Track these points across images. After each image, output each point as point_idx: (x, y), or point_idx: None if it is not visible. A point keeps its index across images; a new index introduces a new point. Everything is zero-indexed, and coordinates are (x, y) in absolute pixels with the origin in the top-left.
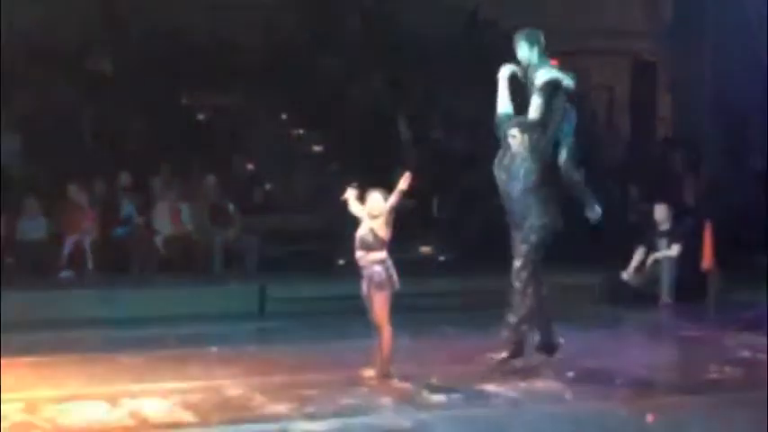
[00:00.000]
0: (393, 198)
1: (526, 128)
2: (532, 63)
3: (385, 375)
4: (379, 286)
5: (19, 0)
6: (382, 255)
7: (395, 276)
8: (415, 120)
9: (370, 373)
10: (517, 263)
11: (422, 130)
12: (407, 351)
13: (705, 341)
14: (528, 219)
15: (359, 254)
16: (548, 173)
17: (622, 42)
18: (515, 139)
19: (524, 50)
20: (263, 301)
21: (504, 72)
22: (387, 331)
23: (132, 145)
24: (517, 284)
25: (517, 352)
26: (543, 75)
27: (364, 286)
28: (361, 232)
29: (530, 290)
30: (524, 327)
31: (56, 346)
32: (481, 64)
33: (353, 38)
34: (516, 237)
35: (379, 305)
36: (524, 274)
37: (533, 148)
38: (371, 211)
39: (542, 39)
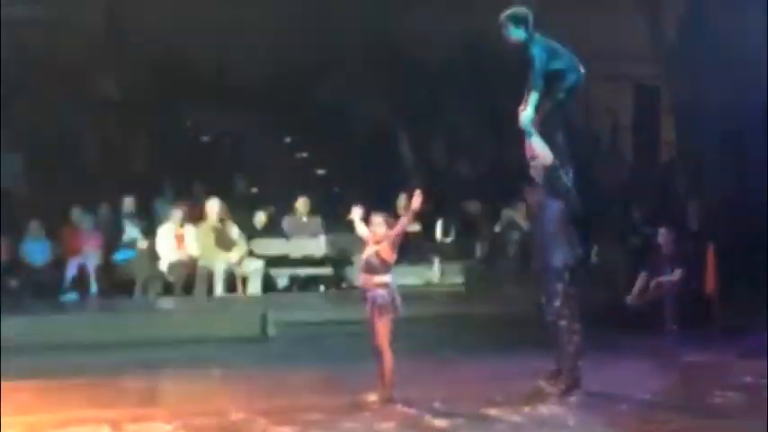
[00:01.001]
0: (404, 219)
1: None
2: (522, 42)
3: (388, 400)
4: (383, 310)
5: (25, 22)
6: (387, 278)
7: (398, 300)
8: (418, 142)
9: (373, 397)
10: (556, 302)
11: (424, 153)
12: (410, 375)
13: (708, 366)
14: (557, 256)
15: (363, 277)
16: (569, 208)
17: (625, 66)
18: (536, 170)
19: (512, 32)
20: (266, 325)
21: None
22: (388, 356)
23: (136, 168)
24: (563, 323)
25: (574, 385)
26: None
27: (368, 309)
28: (366, 255)
29: (576, 325)
30: (580, 361)
31: (59, 369)
32: (484, 87)
33: (356, 61)
34: (545, 276)
35: (382, 329)
36: (566, 312)
37: (553, 187)
38: (375, 235)
39: (529, 16)
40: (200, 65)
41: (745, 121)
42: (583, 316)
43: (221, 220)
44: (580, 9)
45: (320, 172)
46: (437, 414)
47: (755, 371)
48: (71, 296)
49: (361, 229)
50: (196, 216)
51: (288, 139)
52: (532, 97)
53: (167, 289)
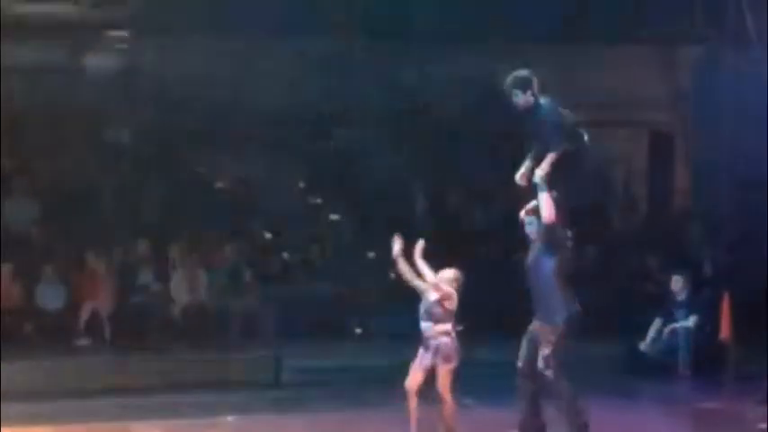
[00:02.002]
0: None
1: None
2: (530, 104)
3: None
4: (447, 358)
5: (39, 69)
6: (448, 327)
7: (459, 348)
8: (432, 190)
9: None
10: (546, 350)
11: (439, 201)
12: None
13: (723, 413)
14: (552, 312)
15: (425, 325)
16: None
17: (639, 114)
18: (532, 226)
19: (520, 98)
20: (280, 371)
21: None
22: (450, 403)
23: (150, 213)
24: (548, 373)
25: (585, 428)
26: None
27: (427, 358)
28: (428, 304)
29: (563, 383)
30: (578, 404)
31: (72, 414)
32: (500, 136)
33: (372, 109)
34: (541, 325)
35: (444, 377)
36: (554, 362)
37: (550, 245)
38: (439, 288)
39: (532, 78)
40: (214, 109)
41: (762, 169)
42: (597, 363)
43: (235, 265)
44: (596, 57)
45: (334, 218)
46: None
47: None
48: (84, 341)
49: (404, 267)
50: (210, 261)
51: (302, 185)
52: (550, 156)
53: (181, 334)
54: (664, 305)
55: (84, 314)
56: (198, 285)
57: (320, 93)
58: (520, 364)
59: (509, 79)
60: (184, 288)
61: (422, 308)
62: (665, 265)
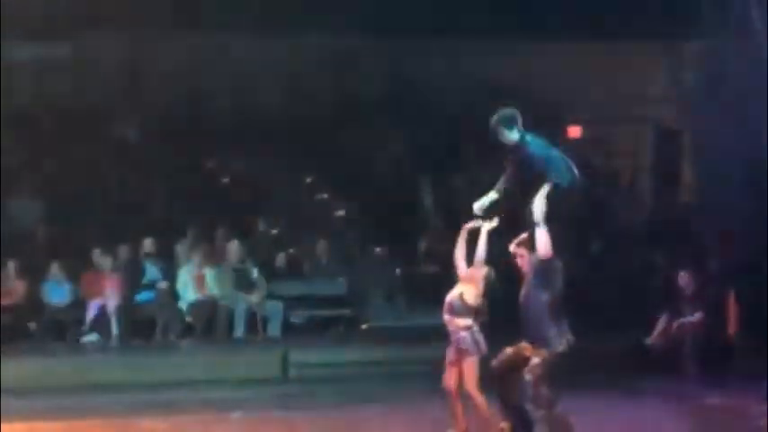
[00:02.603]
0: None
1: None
2: (516, 143)
3: None
4: (466, 353)
5: (45, 66)
6: (468, 321)
7: (482, 342)
8: (439, 185)
9: None
10: (536, 359)
11: (445, 196)
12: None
13: (729, 410)
14: (547, 337)
15: (446, 317)
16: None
17: (646, 109)
18: (524, 258)
19: (505, 135)
20: (286, 367)
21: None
22: (479, 398)
23: (156, 209)
24: (528, 377)
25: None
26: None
27: (450, 352)
28: (451, 297)
29: (542, 390)
30: (557, 410)
31: (79, 410)
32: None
33: (378, 102)
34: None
35: (468, 372)
36: (539, 371)
37: (543, 279)
38: (468, 273)
39: (517, 115)
40: (221, 106)
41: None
42: (602, 359)
43: (241, 261)
44: (600, 52)
45: (340, 213)
46: None
47: None
48: (91, 338)
49: (460, 252)
50: (216, 257)
51: (308, 180)
52: (544, 189)
53: (187, 330)
54: (670, 301)
55: (91, 311)
56: (204, 282)
57: (327, 87)
58: (494, 363)
59: (495, 117)
60: (191, 285)
61: (446, 300)
62: (671, 261)
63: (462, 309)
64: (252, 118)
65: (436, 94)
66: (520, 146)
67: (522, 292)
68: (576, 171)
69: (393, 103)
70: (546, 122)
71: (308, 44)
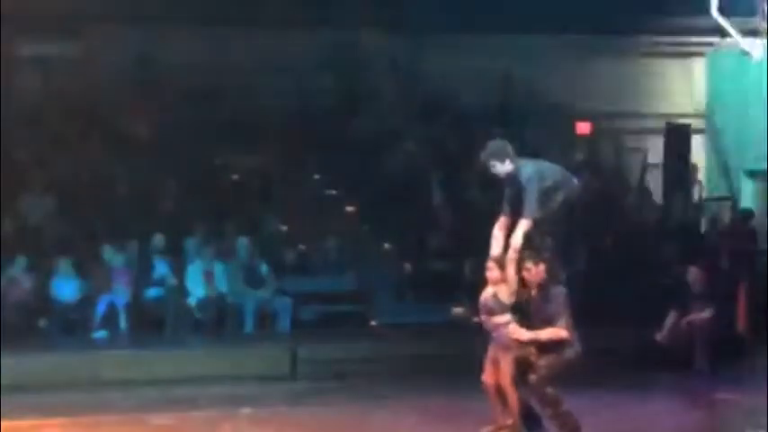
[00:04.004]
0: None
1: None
2: (511, 172)
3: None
4: (506, 348)
5: (55, 61)
6: (506, 318)
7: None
8: (449, 181)
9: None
10: (542, 362)
11: (455, 191)
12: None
13: (740, 405)
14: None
15: (483, 318)
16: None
17: (657, 104)
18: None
19: (498, 167)
20: (295, 363)
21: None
22: (513, 395)
23: (166, 206)
24: (533, 378)
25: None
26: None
27: (491, 350)
28: (485, 297)
29: (547, 389)
30: (563, 408)
31: (88, 406)
32: (516, 127)
33: (387, 98)
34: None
35: (506, 368)
36: (544, 372)
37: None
38: (491, 278)
39: (508, 146)
40: (230, 104)
41: None
42: (613, 354)
43: (250, 258)
44: (609, 47)
45: (349, 209)
46: None
47: None
48: (101, 333)
49: (497, 244)
50: (226, 254)
51: (317, 177)
52: (523, 224)
53: (197, 326)
54: (680, 297)
55: (101, 307)
56: (214, 278)
57: (338, 84)
58: None
59: (485, 151)
60: (200, 281)
61: (480, 302)
62: (681, 257)
63: (498, 307)
64: (262, 114)
65: (448, 90)
66: (514, 175)
67: (532, 306)
68: (575, 182)
69: (405, 99)
70: (558, 118)
71: (321, 40)
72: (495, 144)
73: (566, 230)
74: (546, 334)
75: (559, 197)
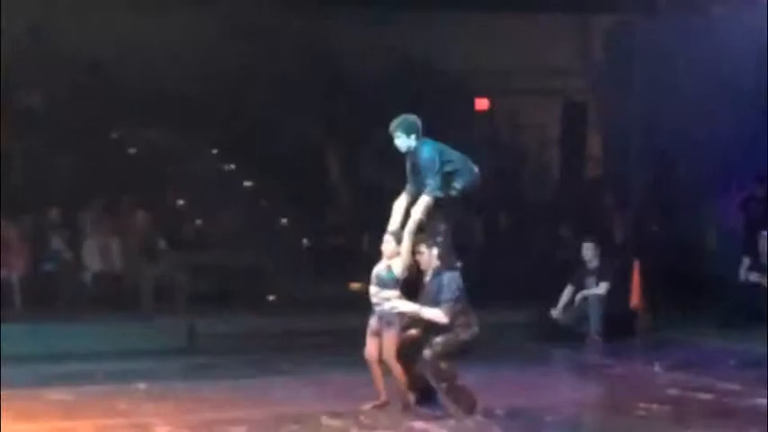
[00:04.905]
0: (406, 238)
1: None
2: (412, 149)
3: (406, 406)
4: (389, 323)
5: None
6: (395, 293)
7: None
8: (346, 157)
9: (374, 403)
10: (438, 339)
11: (353, 168)
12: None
13: (634, 379)
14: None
15: (373, 290)
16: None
17: (553, 81)
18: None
19: (403, 140)
20: (193, 338)
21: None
22: (397, 368)
23: (62, 179)
24: (427, 353)
25: (472, 408)
26: (425, 162)
27: (374, 322)
28: (378, 269)
29: (441, 364)
30: (458, 383)
31: None
32: (414, 104)
33: (286, 74)
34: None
35: (389, 342)
36: (438, 349)
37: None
38: (386, 251)
39: (418, 123)
40: (128, 77)
41: (672, 137)
42: (509, 330)
43: (147, 232)
44: (509, 24)
45: (247, 184)
46: (365, 427)
47: (680, 383)
48: None
49: (395, 220)
50: (122, 228)
51: (215, 151)
52: (425, 200)
53: (92, 301)
54: (575, 272)
55: None
56: (110, 252)
57: (234, 59)
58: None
59: (395, 122)
60: (97, 255)
61: (373, 272)
62: (576, 233)
63: (391, 280)
64: (160, 88)
65: (346, 66)
66: (414, 153)
67: (422, 289)
68: (476, 171)
69: (301, 74)
70: (457, 95)
71: (217, 16)
72: (406, 117)
73: (462, 216)
74: (428, 313)
75: (458, 185)
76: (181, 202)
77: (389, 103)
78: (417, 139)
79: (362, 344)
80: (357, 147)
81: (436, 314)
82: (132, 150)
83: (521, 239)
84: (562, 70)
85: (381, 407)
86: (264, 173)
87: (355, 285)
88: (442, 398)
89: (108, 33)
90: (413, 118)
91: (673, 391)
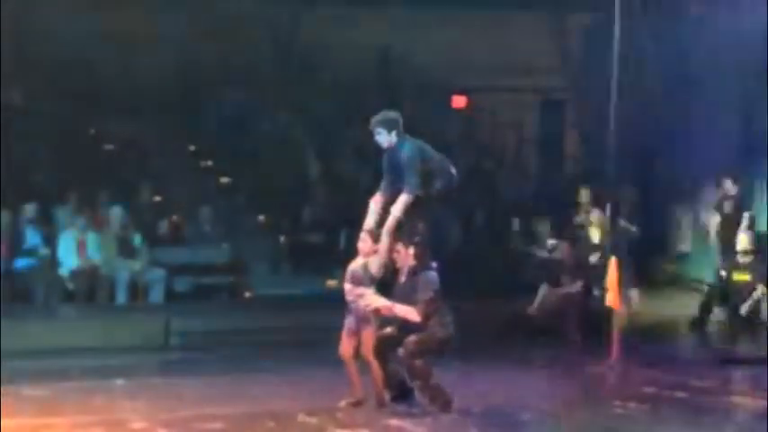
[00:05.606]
0: (385, 237)
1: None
2: (393, 145)
3: (381, 404)
4: (366, 321)
5: None
6: (370, 291)
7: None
8: (324, 153)
9: (343, 402)
10: (413, 337)
11: (330, 163)
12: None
13: (610, 377)
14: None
15: (347, 287)
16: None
17: (531, 79)
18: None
19: (383, 136)
20: (169, 334)
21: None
22: (375, 364)
23: (38, 174)
24: (401, 351)
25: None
26: (405, 158)
27: (351, 321)
28: (354, 266)
29: (417, 362)
30: (433, 381)
31: None
32: (391, 99)
33: (264, 70)
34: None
35: (366, 339)
36: (412, 347)
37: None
38: (362, 249)
39: (399, 119)
40: (105, 72)
41: (650, 135)
42: (485, 327)
43: (124, 228)
44: (487, 22)
45: (224, 180)
46: (341, 425)
47: (657, 381)
48: None
49: (370, 219)
50: (98, 223)
51: (192, 148)
52: (404, 198)
53: (68, 297)
54: (551, 271)
55: None
56: (86, 248)
57: (211, 55)
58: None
59: (376, 117)
60: (72, 251)
61: (348, 270)
62: (553, 231)
63: (366, 278)
64: (137, 85)
65: (325, 62)
66: (394, 150)
67: (397, 289)
68: (454, 172)
69: (280, 71)
70: (434, 92)
71: (199, 9)
72: (386, 113)
73: (438, 216)
74: (401, 310)
75: (437, 184)
76: (157, 198)
77: (367, 99)
78: (398, 135)
79: (339, 341)
80: (334, 143)
81: (409, 312)
82: (109, 146)
83: (497, 237)
84: (540, 68)
85: (357, 404)
86: (241, 169)
87: (332, 282)
88: (418, 395)
89: (85, 30)
90: (394, 114)
91: (649, 390)
